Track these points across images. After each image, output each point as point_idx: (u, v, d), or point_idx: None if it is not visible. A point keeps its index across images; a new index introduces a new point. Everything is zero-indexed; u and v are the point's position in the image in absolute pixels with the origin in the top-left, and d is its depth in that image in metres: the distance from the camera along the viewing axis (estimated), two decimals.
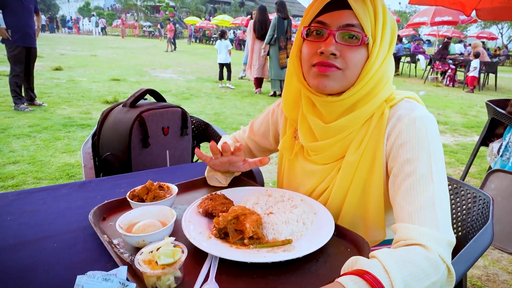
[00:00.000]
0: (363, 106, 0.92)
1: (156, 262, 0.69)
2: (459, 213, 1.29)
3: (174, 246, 0.73)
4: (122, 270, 0.66)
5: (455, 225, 1.28)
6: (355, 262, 0.66)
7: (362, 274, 0.62)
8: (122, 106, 1.66)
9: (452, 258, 0.86)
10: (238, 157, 1.09)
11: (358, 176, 0.95)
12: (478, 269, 2.36)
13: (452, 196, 1.31)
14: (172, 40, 20.25)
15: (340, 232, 0.89)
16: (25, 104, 5.51)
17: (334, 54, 0.87)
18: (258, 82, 8.32)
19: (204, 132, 2.02)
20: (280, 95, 7.91)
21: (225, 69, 8.89)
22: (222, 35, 9.08)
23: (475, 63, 10.71)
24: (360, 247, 0.84)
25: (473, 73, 10.71)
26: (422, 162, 0.83)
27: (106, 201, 1.00)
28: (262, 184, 1.44)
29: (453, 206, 1.31)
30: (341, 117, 0.94)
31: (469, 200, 1.29)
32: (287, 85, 1.07)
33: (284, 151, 1.12)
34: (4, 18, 5.13)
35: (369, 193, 0.95)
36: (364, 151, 0.94)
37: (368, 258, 0.74)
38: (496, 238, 2.58)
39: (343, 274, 0.64)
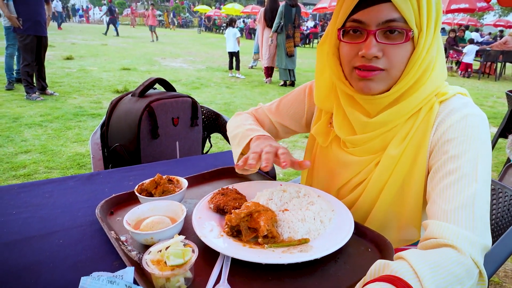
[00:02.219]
0: (408, 98, 0.84)
1: (165, 262, 0.65)
2: None
3: (184, 245, 0.68)
4: (129, 272, 0.62)
5: None
6: (384, 267, 0.61)
7: (393, 280, 0.56)
8: (131, 95, 1.62)
9: None
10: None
11: (398, 171, 0.88)
12: None
13: None
14: (153, 28, 17.70)
15: (359, 231, 0.84)
16: (36, 93, 5.53)
17: (377, 56, 0.79)
18: (269, 71, 8.22)
19: (215, 123, 1.97)
20: (291, 84, 7.84)
21: (234, 59, 8.78)
22: (231, 23, 8.93)
23: (466, 48, 10.70)
24: (381, 247, 0.78)
25: (465, 59, 10.71)
26: (468, 161, 0.76)
27: (114, 195, 0.96)
28: (274, 176, 1.39)
29: None
30: (385, 111, 0.86)
31: (494, 195, 1.22)
32: (318, 79, 0.99)
33: (318, 137, 1.04)
34: (15, 7, 5.13)
35: (408, 189, 0.88)
36: (408, 144, 0.86)
37: (391, 259, 0.69)
38: None
39: (370, 281, 0.58)
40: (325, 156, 1.03)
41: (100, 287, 0.57)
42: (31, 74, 5.47)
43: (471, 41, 11.06)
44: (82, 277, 0.59)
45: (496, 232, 1.17)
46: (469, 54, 10.67)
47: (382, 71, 0.80)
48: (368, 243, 0.81)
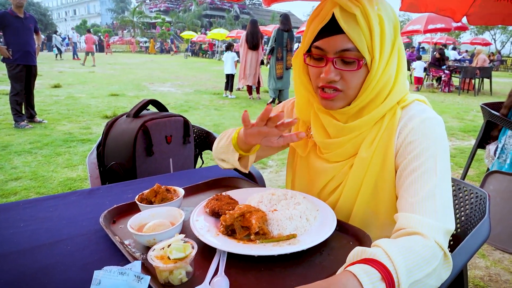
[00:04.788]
0: (374, 110, 0.95)
1: (168, 257, 0.72)
2: (457, 210, 1.33)
3: (184, 242, 0.76)
4: (137, 265, 0.70)
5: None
6: (361, 252, 0.69)
7: (370, 262, 0.65)
8: (126, 116, 1.71)
9: (452, 251, 0.90)
10: (279, 132, 0.94)
11: (371, 173, 0.98)
12: (480, 270, 2.38)
13: None
14: (91, 53, 17.72)
15: (342, 227, 0.93)
16: (25, 121, 5.56)
17: (334, 80, 0.91)
18: (250, 89, 8.78)
19: (206, 141, 2.06)
20: (279, 103, 8.09)
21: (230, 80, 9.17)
22: (229, 47, 9.39)
23: (415, 64, 12.22)
24: (361, 240, 0.87)
25: (416, 73, 12.24)
26: (428, 157, 0.87)
27: (115, 205, 1.03)
28: (263, 185, 1.47)
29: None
30: (353, 120, 0.98)
31: (466, 197, 1.33)
32: (296, 92, 1.10)
33: (297, 148, 1.14)
34: (5, 38, 5.24)
35: (381, 189, 0.98)
36: (376, 148, 0.97)
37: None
38: (497, 239, 2.61)
39: (351, 264, 0.67)
40: (305, 165, 1.13)
41: (112, 277, 0.64)
42: (20, 103, 5.52)
43: (419, 58, 12.70)
44: (95, 271, 0.66)
45: (470, 229, 1.27)
46: (417, 69, 12.12)
47: (340, 92, 0.93)
48: (350, 237, 0.90)
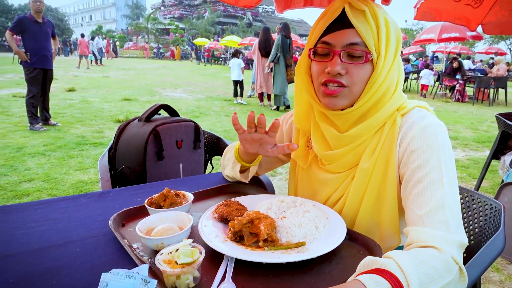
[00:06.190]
0: (374, 115, 0.94)
1: (176, 262, 0.72)
2: (470, 222, 1.30)
3: (192, 247, 0.76)
4: (144, 268, 0.69)
5: (467, 234, 1.28)
6: (372, 262, 0.68)
7: (380, 272, 0.63)
8: (138, 120, 1.73)
9: (465, 264, 0.88)
10: (270, 138, 1.03)
11: (372, 183, 0.96)
12: (494, 284, 2.32)
13: (463, 205, 1.32)
14: (85, 57, 18.85)
15: (352, 236, 0.91)
16: (40, 124, 5.67)
17: (340, 74, 0.91)
18: (262, 96, 8.86)
19: (216, 146, 2.06)
20: (286, 109, 8.13)
21: (239, 86, 9.23)
22: (236, 54, 9.46)
23: (422, 73, 13.00)
24: (371, 250, 0.86)
25: (423, 81, 12.99)
26: (433, 167, 0.85)
27: (125, 209, 1.04)
28: (272, 192, 1.46)
29: (465, 215, 1.32)
30: (354, 126, 0.97)
31: (480, 208, 1.30)
32: (297, 99, 1.09)
33: (298, 160, 1.14)
34: (23, 42, 5.37)
35: (384, 199, 0.96)
36: (377, 158, 0.95)
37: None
38: (511, 252, 2.54)
39: (361, 273, 0.66)
40: (307, 177, 1.13)
41: (119, 280, 0.64)
42: (36, 106, 5.63)
43: (427, 66, 13.27)
44: (102, 273, 0.66)
45: (484, 242, 1.24)
46: (424, 77, 12.91)
47: (344, 88, 0.92)
48: (360, 246, 0.88)
